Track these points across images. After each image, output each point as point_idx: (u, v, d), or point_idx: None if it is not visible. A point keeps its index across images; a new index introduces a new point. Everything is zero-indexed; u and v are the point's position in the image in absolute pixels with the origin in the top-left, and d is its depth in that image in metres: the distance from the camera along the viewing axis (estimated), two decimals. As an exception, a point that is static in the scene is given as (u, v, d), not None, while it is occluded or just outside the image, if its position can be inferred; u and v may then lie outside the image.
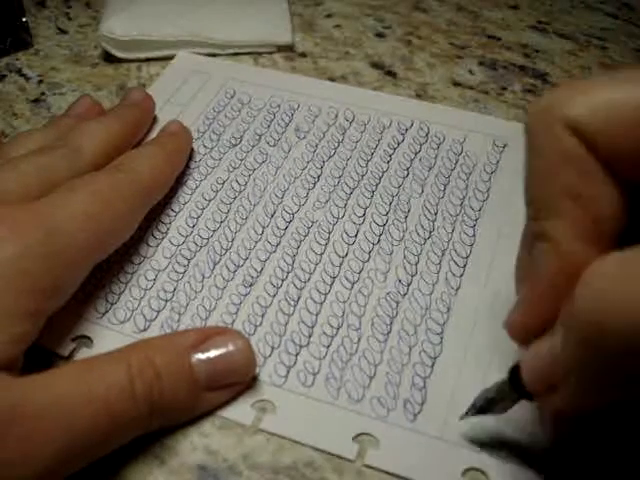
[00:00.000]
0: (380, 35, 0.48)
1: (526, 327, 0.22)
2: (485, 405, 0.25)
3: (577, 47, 0.48)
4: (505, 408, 0.24)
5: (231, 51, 0.46)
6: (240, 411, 0.27)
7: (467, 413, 0.25)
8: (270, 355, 0.29)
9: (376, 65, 0.45)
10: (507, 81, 0.44)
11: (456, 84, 0.44)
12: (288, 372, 0.28)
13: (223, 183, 0.36)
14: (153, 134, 0.38)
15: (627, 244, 0.18)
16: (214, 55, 0.45)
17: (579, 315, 0.18)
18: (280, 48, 0.46)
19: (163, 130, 0.37)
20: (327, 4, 0.51)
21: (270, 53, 0.46)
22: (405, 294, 0.31)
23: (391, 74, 0.45)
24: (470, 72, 0.45)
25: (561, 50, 0.47)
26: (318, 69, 0.45)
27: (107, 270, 0.32)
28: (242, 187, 0.36)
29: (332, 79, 0.44)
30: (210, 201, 0.35)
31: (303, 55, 0.46)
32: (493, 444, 0.26)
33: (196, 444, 0.26)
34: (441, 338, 0.30)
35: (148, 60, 0.45)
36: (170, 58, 0.45)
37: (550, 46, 0.48)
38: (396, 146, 0.38)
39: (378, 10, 0.51)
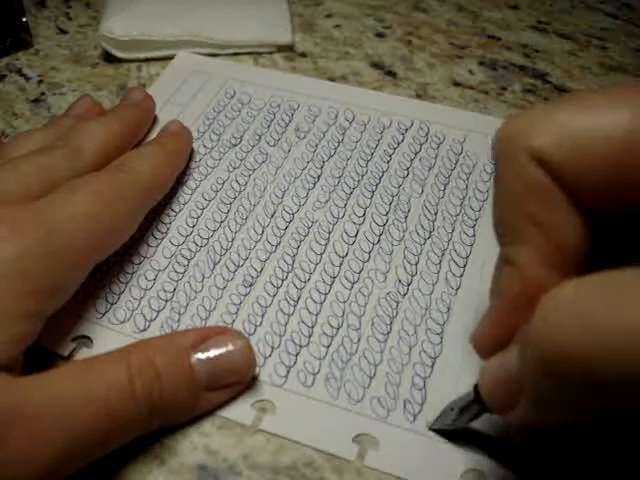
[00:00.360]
0: (380, 35, 0.48)
1: (489, 342, 0.23)
2: (451, 416, 0.25)
3: (577, 47, 0.48)
4: (469, 420, 0.25)
5: (231, 51, 0.46)
6: (240, 411, 0.27)
7: (434, 424, 0.26)
8: (270, 355, 0.29)
9: (376, 65, 0.45)
10: (507, 81, 0.44)
11: (456, 84, 0.44)
12: (288, 372, 0.28)
13: (223, 183, 0.36)
14: (153, 134, 0.38)
15: (594, 266, 0.18)
16: (214, 55, 0.45)
17: (533, 343, 0.18)
18: (280, 48, 0.46)
19: (163, 130, 0.37)
20: (327, 4, 0.51)
21: (270, 53, 0.46)
22: (405, 294, 0.31)
23: (391, 74, 0.45)
24: (470, 72, 0.45)
25: (561, 50, 0.47)
26: (318, 69, 0.45)
27: (107, 270, 0.32)
28: (242, 187, 0.36)
29: (332, 79, 0.44)
30: (210, 201, 0.35)
31: (303, 55, 0.46)
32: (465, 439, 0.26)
33: (196, 444, 0.26)
34: (441, 338, 0.30)
35: (148, 60, 0.45)
36: (170, 58, 0.45)
37: (550, 46, 0.48)
38: (396, 146, 0.38)
39: (378, 10, 0.51)
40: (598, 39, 0.48)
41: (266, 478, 0.26)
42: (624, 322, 0.16)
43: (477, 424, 0.26)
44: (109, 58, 0.45)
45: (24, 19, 0.45)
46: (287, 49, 0.46)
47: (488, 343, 0.23)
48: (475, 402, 0.24)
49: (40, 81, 0.44)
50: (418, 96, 0.42)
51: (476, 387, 0.23)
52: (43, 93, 0.43)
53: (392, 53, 0.46)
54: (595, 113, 0.19)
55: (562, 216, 0.20)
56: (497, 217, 0.22)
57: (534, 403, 0.20)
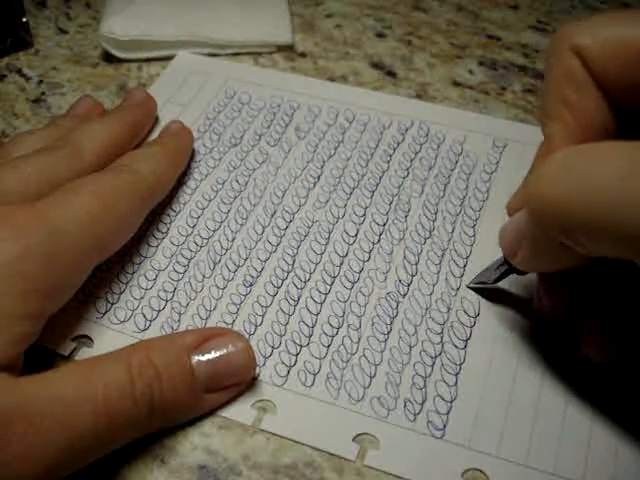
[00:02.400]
0: (380, 35, 0.48)
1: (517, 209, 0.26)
2: (484, 276, 0.31)
3: None
4: (498, 279, 0.30)
5: (231, 51, 0.46)
6: (240, 411, 0.27)
7: (470, 283, 0.32)
8: (270, 355, 0.29)
9: (376, 65, 0.45)
10: (507, 81, 0.44)
11: (456, 84, 0.44)
12: (288, 372, 0.28)
13: (223, 183, 0.36)
14: (154, 134, 0.38)
15: None
16: (214, 55, 0.45)
17: (529, 197, 0.23)
18: (280, 48, 0.46)
19: (164, 130, 0.37)
20: (327, 4, 0.51)
21: (270, 53, 0.46)
22: (405, 294, 0.31)
23: (391, 74, 0.45)
24: (470, 72, 0.45)
25: None
26: (318, 69, 0.45)
27: (107, 270, 0.32)
28: (242, 187, 0.36)
29: (332, 79, 0.44)
30: (210, 201, 0.35)
31: (303, 55, 0.46)
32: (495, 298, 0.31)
33: (196, 444, 0.26)
34: (441, 338, 0.30)
35: (148, 60, 0.45)
36: (170, 58, 0.45)
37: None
38: (396, 146, 0.38)
39: (378, 10, 0.51)
40: None
41: (266, 478, 0.26)
42: (594, 178, 0.20)
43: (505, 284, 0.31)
44: (109, 58, 0.45)
45: (24, 19, 0.45)
46: (287, 49, 0.46)
47: (517, 209, 0.26)
48: (503, 263, 0.28)
49: (40, 81, 0.44)
50: (418, 96, 0.42)
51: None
52: (43, 93, 0.43)
53: (392, 53, 0.46)
54: (630, 24, 0.24)
55: (590, 101, 0.24)
56: (541, 102, 0.26)
57: (530, 247, 0.25)
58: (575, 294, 0.28)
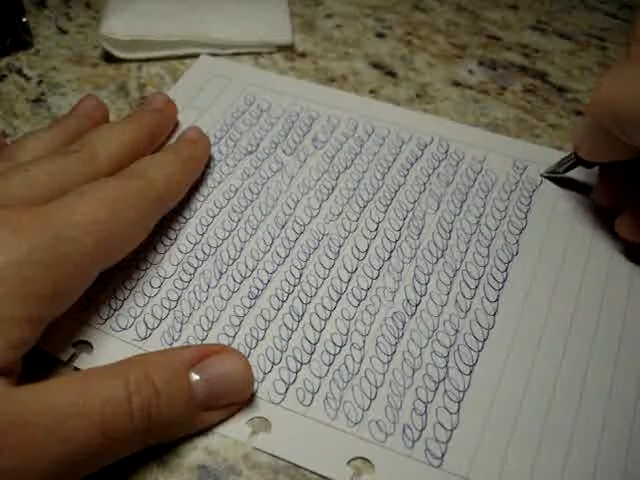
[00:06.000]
0: (380, 35, 0.48)
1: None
2: (555, 167, 0.37)
3: (577, 47, 0.47)
4: (567, 169, 0.36)
5: (231, 51, 0.45)
6: (235, 427, 0.27)
7: (543, 173, 0.37)
8: (270, 371, 0.28)
9: (376, 65, 0.45)
10: (507, 81, 0.44)
11: (456, 84, 0.44)
12: (287, 390, 0.28)
13: (236, 191, 0.36)
14: (172, 139, 0.38)
15: None
16: (215, 55, 0.45)
17: (593, 99, 0.29)
18: (280, 48, 0.46)
19: (181, 136, 0.36)
20: (327, 4, 0.51)
21: (270, 53, 0.46)
22: (412, 314, 0.31)
23: (391, 74, 0.44)
24: (470, 72, 0.45)
25: (561, 50, 0.47)
26: (318, 69, 0.44)
27: (112, 275, 0.31)
28: (255, 196, 0.36)
29: (332, 79, 0.44)
30: (221, 209, 0.35)
31: (303, 55, 0.46)
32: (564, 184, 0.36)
33: (196, 444, 0.26)
34: (446, 362, 0.29)
35: (148, 60, 0.45)
36: (171, 58, 0.45)
37: (550, 46, 0.47)
38: (414, 161, 0.38)
39: (378, 10, 0.50)
40: (598, 39, 0.48)
41: (266, 478, 0.25)
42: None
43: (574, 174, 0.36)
44: (109, 58, 0.45)
45: (24, 19, 0.45)
46: (287, 49, 0.46)
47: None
48: (572, 157, 0.35)
49: (40, 81, 0.44)
50: (418, 96, 0.42)
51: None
52: (43, 93, 0.43)
53: (392, 53, 0.46)
54: None
55: None
56: (634, 29, 0.31)
57: (592, 140, 0.32)
58: (629, 185, 0.33)
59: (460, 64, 0.45)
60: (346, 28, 0.49)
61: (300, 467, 0.26)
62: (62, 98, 0.42)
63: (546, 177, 0.37)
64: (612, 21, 0.50)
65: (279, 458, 0.26)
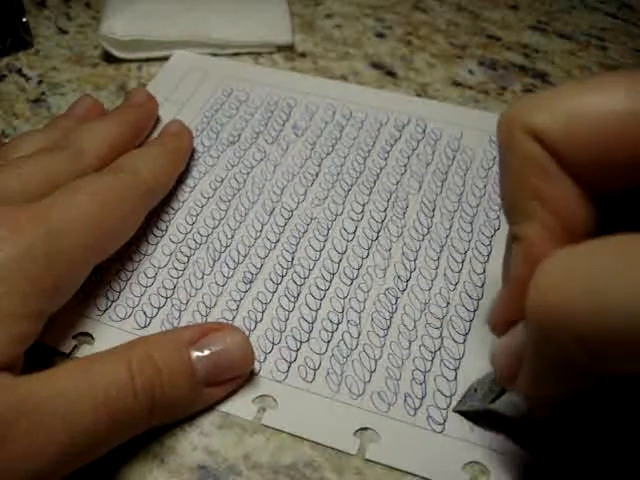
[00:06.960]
0: (380, 35, 0.48)
1: (503, 324, 0.23)
2: (475, 398, 0.26)
3: (577, 47, 0.48)
4: (492, 400, 0.25)
5: (231, 51, 0.46)
6: (241, 407, 0.27)
7: (457, 406, 0.27)
8: (271, 351, 0.29)
9: (376, 65, 0.46)
10: (507, 81, 0.44)
11: (456, 84, 0.44)
12: (289, 368, 0.29)
13: (222, 181, 0.36)
14: (154, 133, 0.38)
15: None
16: (215, 55, 0.45)
17: (528, 312, 0.19)
18: (280, 48, 0.46)
19: (164, 130, 0.37)
20: (327, 4, 0.51)
21: (270, 53, 0.46)
22: (404, 290, 0.31)
23: (391, 74, 0.45)
24: (470, 72, 0.45)
25: (561, 50, 0.47)
26: (318, 69, 0.45)
27: (107, 268, 0.32)
28: (241, 185, 0.36)
29: (332, 79, 0.44)
30: (209, 199, 0.35)
31: (303, 55, 0.46)
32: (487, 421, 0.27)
33: (196, 444, 0.26)
34: (440, 332, 0.30)
35: (148, 60, 0.45)
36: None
37: (550, 46, 0.48)
38: (393, 143, 0.39)
39: (378, 10, 0.51)
40: (598, 39, 0.48)
41: (266, 478, 0.26)
42: (607, 281, 0.16)
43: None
44: (109, 58, 0.45)
45: (24, 19, 0.45)
46: (287, 49, 0.46)
47: (503, 323, 0.23)
48: (496, 383, 0.25)
49: (40, 81, 0.44)
50: (418, 96, 0.43)
51: None
52: (43, 93, 0.43)
53: (392, 53, 0.47)
54: (593, 95, 0.20)
55: (562, 189, 0.20)
56: (503, 197, 0.22)
57: (534, 370, 0.20)
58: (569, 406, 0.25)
59: (460, 64, 0.46)
60: (346, 28, 0.49)
61: (300, 467, 0.26)
62: (62, 98, 0.42)
63: (460, 412, 0.27)
64: (612, 21, 0.50)
65: (279, 459, 0.26)
